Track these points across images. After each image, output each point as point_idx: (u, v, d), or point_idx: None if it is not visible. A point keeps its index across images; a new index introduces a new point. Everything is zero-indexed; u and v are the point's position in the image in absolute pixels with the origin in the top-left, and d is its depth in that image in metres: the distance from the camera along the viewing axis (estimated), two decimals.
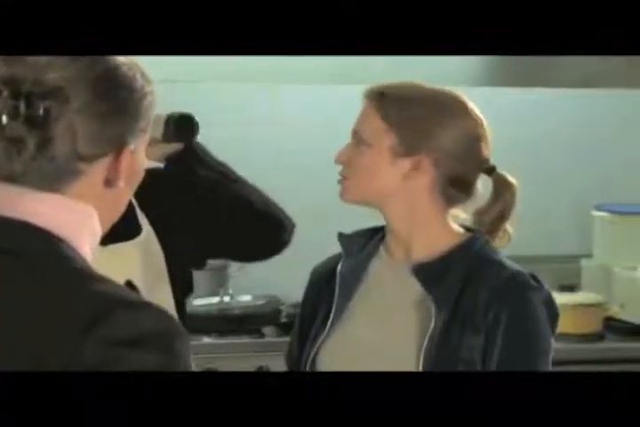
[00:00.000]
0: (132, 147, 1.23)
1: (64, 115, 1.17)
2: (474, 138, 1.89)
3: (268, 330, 3.40)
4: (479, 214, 1.92)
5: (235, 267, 3.55)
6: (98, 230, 1.24)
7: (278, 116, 3.75)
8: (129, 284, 1.96)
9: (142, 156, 1.27)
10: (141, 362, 1.08)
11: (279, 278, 3.64)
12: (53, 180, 1.19)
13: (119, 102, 1.21)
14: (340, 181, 1.92)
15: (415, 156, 1.85)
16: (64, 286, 1.13)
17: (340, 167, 1.93)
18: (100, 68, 1.19)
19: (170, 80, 3.55)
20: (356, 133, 1.90)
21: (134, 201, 2.00)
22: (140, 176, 1.29)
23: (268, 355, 3.16)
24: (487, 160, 1.93)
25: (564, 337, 3.04)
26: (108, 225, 1.28)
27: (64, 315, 1.10)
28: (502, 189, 1.92)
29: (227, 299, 3.48)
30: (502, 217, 1.92)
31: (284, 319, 3.41)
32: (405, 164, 1.86)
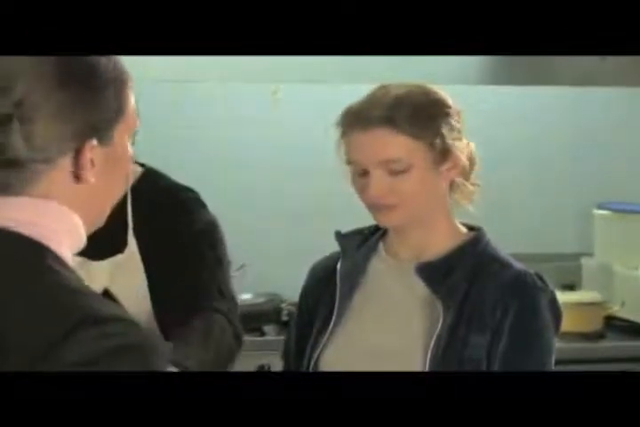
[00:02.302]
0: (93, 141, 1.19)
1: (12, 120, 1.14)
2: (457, 113, 1.88)
3: (269, 328, 3.41)
4: None
5: (235, 266, 3.56)
6: (78, 230, 1.20)
7: (277, 116, 3.75)
8: (106, 293, 1.96)
9: (120, 146, 1.22)
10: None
11: (280, 277, 3.64)
12: (13, 184, 1.16)
13: (70, 101, 1.17)
14: (382, 210, 1.85)
15: (449, 155, 1.84)
16: (38, 299, 1.10)
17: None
18: (47, 67, 1.16)
19: (169, 80, 3.55)
20: (386, 164, 1.81)
21: (130, 222, 2.04)
22: (124, 167, 1.25)
23: (269, 353, 3.16)
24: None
25: (565, 336, 3.02)
26: (96, 222, 1.25)
27: (35, 329, 1.06)
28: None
29: None
30: (472, 162, 1.91)
31: (284, 318, 3.41)
32: (446, 167, 1.85)
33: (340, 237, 2.00)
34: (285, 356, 2.06)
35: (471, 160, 1.91)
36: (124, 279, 2.02)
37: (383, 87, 1.86)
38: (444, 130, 1.83)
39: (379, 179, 1.82)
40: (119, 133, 1.22)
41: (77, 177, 1.19)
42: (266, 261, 3.74)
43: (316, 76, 3.35)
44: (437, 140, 1.82)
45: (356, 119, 1.83)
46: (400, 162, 1.81)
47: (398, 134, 1.80)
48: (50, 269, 1.14)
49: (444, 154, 1.84)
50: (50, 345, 1.05)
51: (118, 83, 1.21)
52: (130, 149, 1.26)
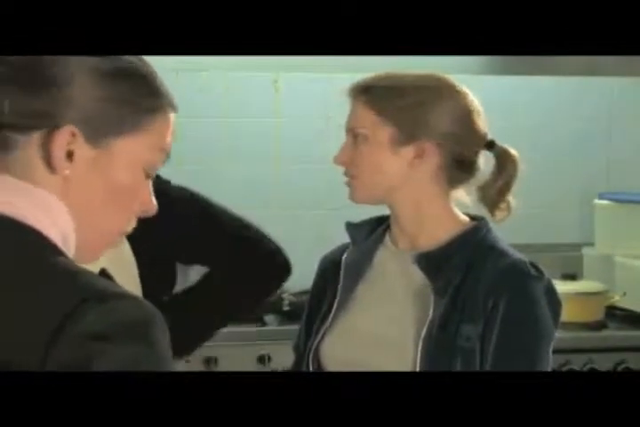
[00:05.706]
0: (71, 128, 1.14)
1: None
2: (468, 115, 1.88)
3: (270, 318, 3.41)
4: (482, 189, 1.90)
5: None
6: (63, 221, 1.16)
7: (278, 104, 3.74)
8: (103, 272, 1.95)
9: (123, 160, 1.18)
10: (117, 355, 1.03)
11: None
12: None
13: (45, 75, 1.14)
14: (347, 183, 1.90)
15: (417, 142, 1.84)
16: (35, 281, 1.08)
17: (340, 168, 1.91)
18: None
19: (169, 69, 3.55)
20: (350, 131, 1.88)
21: None
22: (124, 193, 1.20)
23: (269, 343, 3.16)
24: (486, 135, 1.91)
25: (566, 325, 3.03)
26: (91, 240, 1.20)
27: (37, 312, 1.05)
28: (505, 162, 1.91)
29: None
30: (505, 190, 1.90)
31: (286, 308, 3.41)
32: (409, 152, 1.85)
33: (350, 227, 2.01)
34: (296, 350, 2.07)
35: (503, 176, 1.89)
36: (115, 254, 2.01)
37: (402, 73, 1.90)
38: (414, 114, 1.84)
39: (346, 145, 1.89)
40: (126, 145, 1.18)
41: (48, 162, 1.15)
42: None
43: (318, 65, 3.34)
44: (401, 120, 1.84)
45: (350, 88, 1.90)
46: (362, 133, 1.86)
47: (364, 105, 1.86)
48: (44, 251, 1.12)
49: (409, 138, 1.84)
50: (55, 326, 1.03)
51: (133, 94, 1.19)
52: (144, 182, 1.22)
